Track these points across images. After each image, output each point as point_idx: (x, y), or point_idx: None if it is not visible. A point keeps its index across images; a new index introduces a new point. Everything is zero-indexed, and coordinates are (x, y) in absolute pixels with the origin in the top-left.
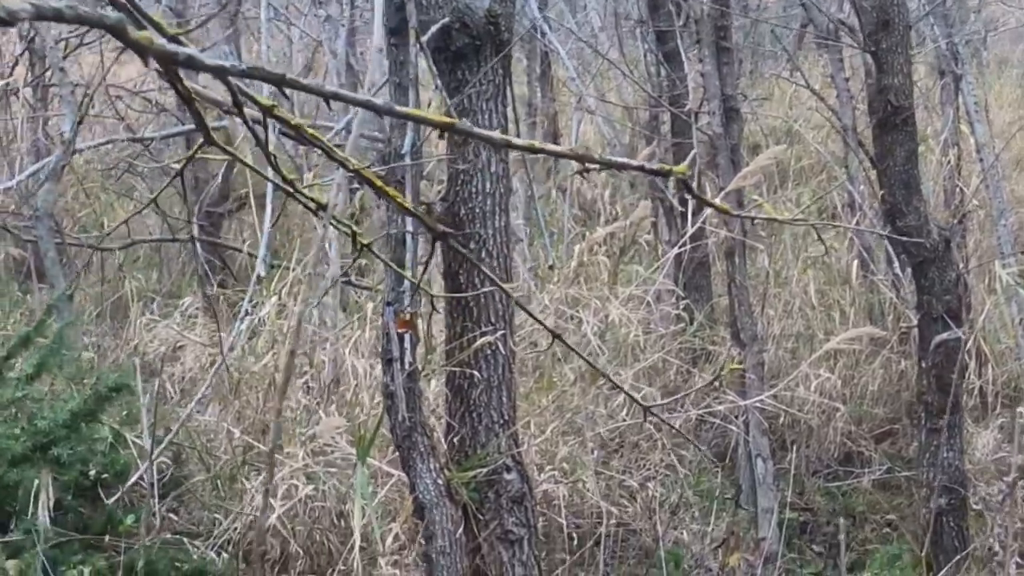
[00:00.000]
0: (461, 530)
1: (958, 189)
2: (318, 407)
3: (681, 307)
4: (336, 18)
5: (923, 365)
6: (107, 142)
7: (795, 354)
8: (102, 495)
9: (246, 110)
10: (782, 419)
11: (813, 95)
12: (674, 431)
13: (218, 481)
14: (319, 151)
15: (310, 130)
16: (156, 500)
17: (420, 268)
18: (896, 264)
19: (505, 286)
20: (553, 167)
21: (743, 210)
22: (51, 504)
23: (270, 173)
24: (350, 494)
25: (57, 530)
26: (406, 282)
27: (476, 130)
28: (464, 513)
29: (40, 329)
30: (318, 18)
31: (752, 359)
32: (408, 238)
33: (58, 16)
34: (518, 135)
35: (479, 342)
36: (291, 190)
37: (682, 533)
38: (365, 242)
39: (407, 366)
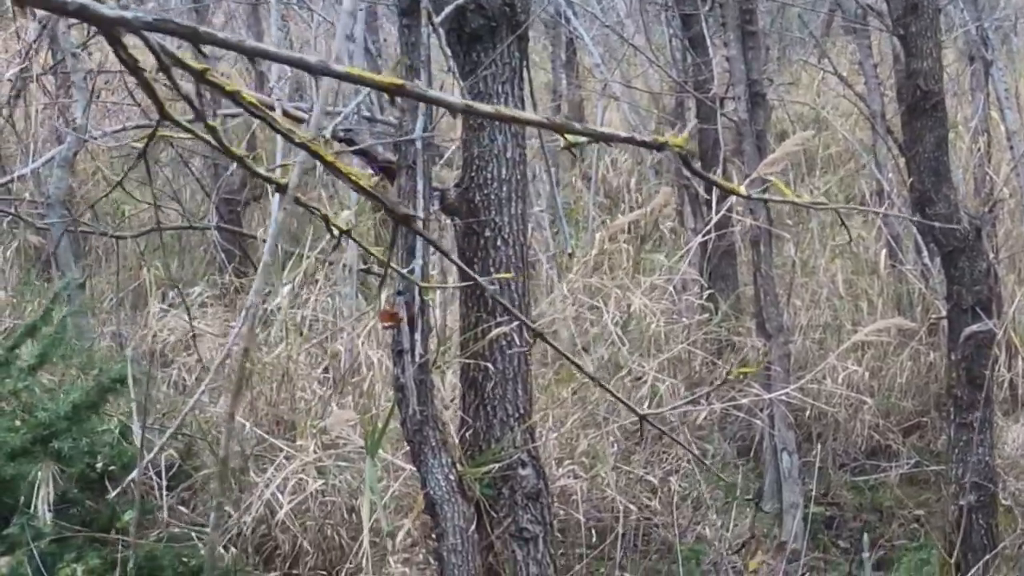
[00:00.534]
0: (474, 527)
1: (988, 177)
2: (331, 399)
3: (705, 297)
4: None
5: (952, 358)
6: (120, 129)
7: (822, 345)
8: (109, 488)
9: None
10: (808, 412)
11: (841, 81)
12: (667, 436)
13: (231, 475)
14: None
15: (248, 96)
16: (164, 493)
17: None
18: (925, 254)
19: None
20: (578, 154)
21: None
22: (52, 498)
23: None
24: (361, 489)
25: (61, 524)
26: (416, 270)
27: (429, 92)
28: (477, 510)
29: (47, 318)
30: (338, 2)
31: (778, 350)
32: (419, 224)
33: None
34: None
35: (493, 333)
36: (246, 166)
37: (704, 529)
38: (343, 228)
39: (418, 358)
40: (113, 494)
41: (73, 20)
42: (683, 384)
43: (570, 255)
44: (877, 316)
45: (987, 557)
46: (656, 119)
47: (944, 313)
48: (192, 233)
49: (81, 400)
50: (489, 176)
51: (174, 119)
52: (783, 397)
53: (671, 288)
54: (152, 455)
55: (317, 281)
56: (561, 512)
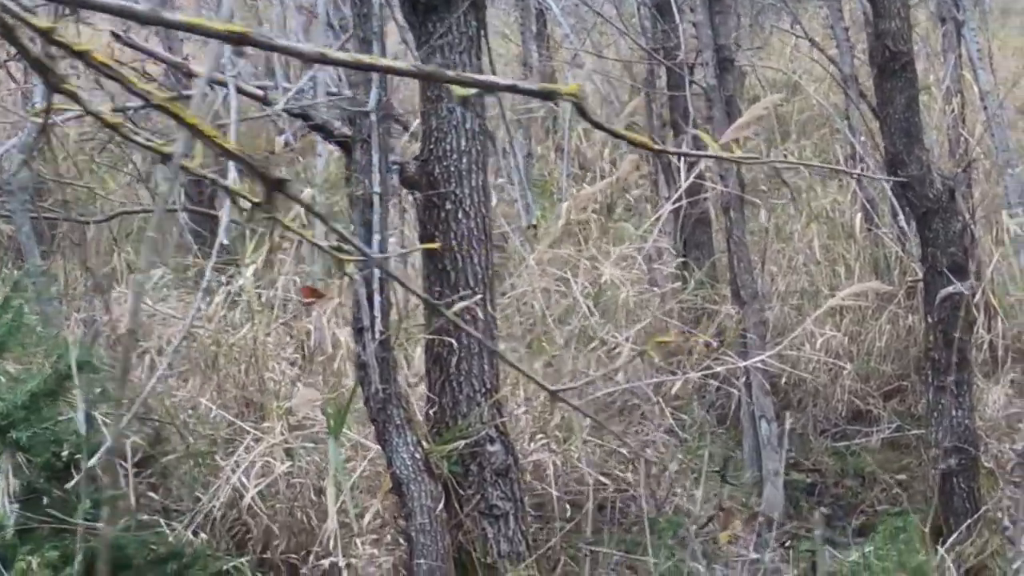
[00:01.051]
0: (442, 506)
1: (962, 138)
2: (300, 379)
3: (674, 265)
4: None
5: (929, 320)
6: (85, 114)
7: (800, 311)
8: (75, 477)
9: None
10: (788, 378)
11: (813, 46)
12: (579, 410)
13: (197, 459)
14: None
15: (98, 56)
16: (131, 480)
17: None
18: (901, 216)
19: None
20: (552, 126)
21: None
22: (17, 489)
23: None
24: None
25: (28, 515)
26: (375, 245)
27: (277, 42)
28: (445, 488)
29: (6, 306)
30: None
31: (753, 317)
32: (376, 199)
33: None
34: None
35: (457, 307)
36: (122, 135)
37: (682, 500)
38: (255, 200)
39: (379, 335)
40: (71, 483)
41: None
42: (659, 353)
43: (533, 227)
44: (854, 280)
45: (969, 521)
46: (629, 89)
47: (921, 276)
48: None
49: (39, 388)
50: (448, 148)
51: (66, 91)
52: (759, 364)
53: (639, 258)
54: (111, 441)
55: (284, 260)
56: (539, 487)
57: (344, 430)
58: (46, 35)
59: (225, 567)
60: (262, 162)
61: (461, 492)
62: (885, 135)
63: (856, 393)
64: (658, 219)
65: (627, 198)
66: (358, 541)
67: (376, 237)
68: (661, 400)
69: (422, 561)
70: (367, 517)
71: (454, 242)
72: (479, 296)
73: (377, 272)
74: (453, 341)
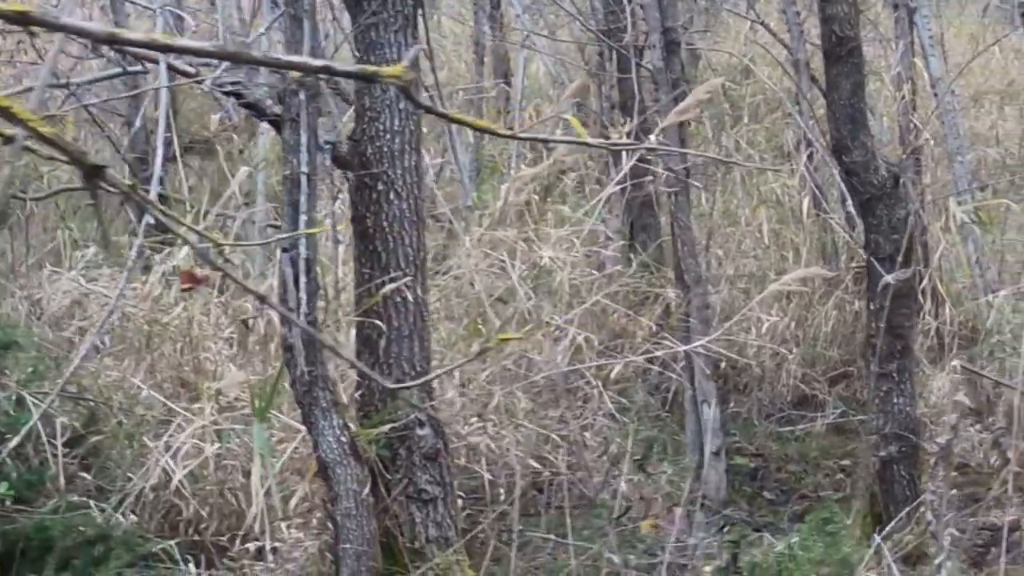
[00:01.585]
0: (368, 490)
1: (912, 125)
2: (236, 360)
3: (612, 248)
4: None
5: (872, 307)
6: (25, 90)
7: (748, 295)
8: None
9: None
10: (735, 363)
11: (765, 29)
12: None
13: (129, 439)
14: None
15: None
16: (60, 460)
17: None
18: (849, 202)
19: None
20: (504, 105)
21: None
22: None
23: None
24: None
25: None
26: (301, 224)
27: (62, 20)
28: (373, 472)
29: None
30: None
31: (696, 301)
32: (303, 179)
33: None
34: (433, 69)
35: (386, 289)
36: None
37: (620, 485)
38: (99, 163)
39: (305, 316)
40: None
41: None
42: (604, 337)
43: (468, 208)
44: (802, 265)
45: (908, 508)
46: (584, 70)
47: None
48: (110, 194)
49: None
50: (381, 128)
51: None
52: (702, 349)
53: (576, 241)
54: (35, 419)
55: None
56: (481, 472)
57: (276, 412)
58: None
59: (154, 549)
60: (76, 148)
61: (389, 476)
62: (831, 120)
63: (802, 378)
64: (599, 201)
65: (571, 180)
66: (283, 525)
67: (303, 217)
68: (600, 384)
69: (348, 546)
70: (294, 500)
71: (385, 223)
72: (410, 278)
73: (304, 253)
74: (381, 323)
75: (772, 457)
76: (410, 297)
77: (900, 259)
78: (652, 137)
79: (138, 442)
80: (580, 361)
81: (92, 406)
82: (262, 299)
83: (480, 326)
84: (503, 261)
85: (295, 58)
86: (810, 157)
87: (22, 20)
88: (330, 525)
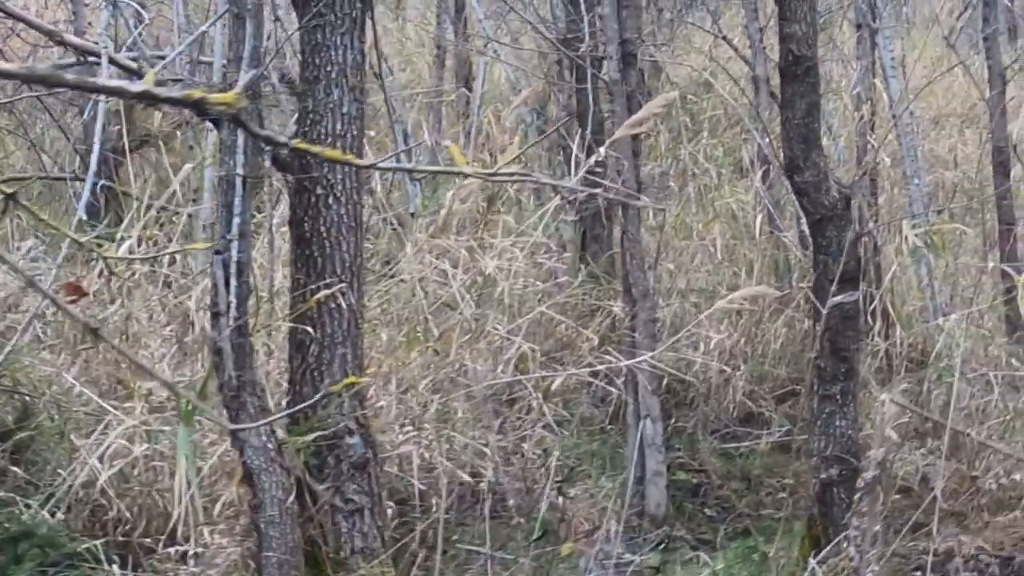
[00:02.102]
0: (293, 498)
1: (870, 145)
2: (175, 358)
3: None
4: None
5: (817, 329)
6: None
7: (699, 309)
8: None
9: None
10: (682, 378)
11: (727, 44)
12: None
13: (60, 436)
14: None
15: None
16: None
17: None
18: (803, 220)
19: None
20: (463, 111)
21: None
22: None
23: None
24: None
25: None
26: (235, 226)
27: None
28: (298, 481)
29: None
30: None
31: (643, 315)
32: (238, 181)
33: None
34: (379, 73)
35: (319, 295)
36: None
37: (552, 499)
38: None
39: (235, 320)
40: None
41: None
42: (549, 348)
43: (411, 215)
44: (754, 281)
45: (846, 532)
46: (544, 78)
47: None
48: (65, 185)
49: None
50: (323, 131)
51: None
52: (645, 364)
53: (518, 252)
54: None
55: (170, 236)
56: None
57: (209, 412)
58: None
59: (79, 548)
60: None
61: (317, 485)
62: (784, 139)
63: (749, 395)
64: (546, 212)
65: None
66: (206, 530)
67: (236, 220)
68: (540, 395)
69: (271, 554)
70: (219, 505)
71: (323, 228)
72: (343, 284)
73: (235, 256)
74: (311, 330)
75: (715, 474)
76: (344, 304)
77: (848, 281)
78: (602, 149)
79: (68, 439)
80: (524, 372)
81: (26, 400)
82: (94, 332)
83: (419, 334)
84: (445, 270)
85: (112, 82)
86: (766, 174)
87: None
88: (255, 532)
